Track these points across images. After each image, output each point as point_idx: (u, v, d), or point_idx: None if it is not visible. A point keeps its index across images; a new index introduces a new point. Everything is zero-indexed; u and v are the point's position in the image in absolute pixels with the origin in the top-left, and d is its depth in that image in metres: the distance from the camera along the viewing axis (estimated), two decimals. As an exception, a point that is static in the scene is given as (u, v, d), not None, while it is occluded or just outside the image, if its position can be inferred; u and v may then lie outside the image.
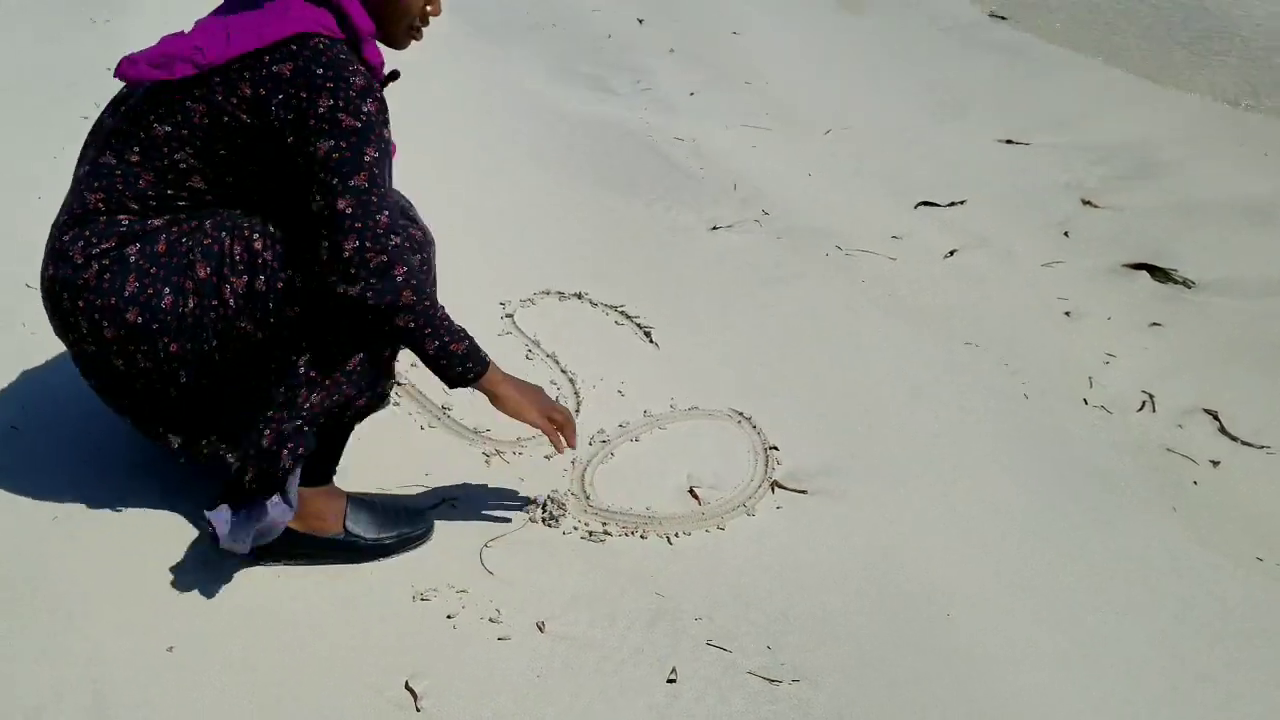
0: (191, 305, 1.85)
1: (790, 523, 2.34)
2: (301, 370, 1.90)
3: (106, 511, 2.23)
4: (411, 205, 2.26)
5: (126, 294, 1.83)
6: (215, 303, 1.85)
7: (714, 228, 3.59)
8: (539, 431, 2.14)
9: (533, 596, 2.10)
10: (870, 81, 4.85)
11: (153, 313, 1.84)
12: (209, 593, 2.06)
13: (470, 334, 1.95)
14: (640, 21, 5.53)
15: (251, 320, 1.87)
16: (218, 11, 1.91)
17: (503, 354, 2.50)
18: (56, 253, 1.88)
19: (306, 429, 1.93)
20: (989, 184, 3.88)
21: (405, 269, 1.80)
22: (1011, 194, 3.81)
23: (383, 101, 1.85)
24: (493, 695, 1.89)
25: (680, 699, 1.91)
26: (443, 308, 1.91)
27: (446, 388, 1.98)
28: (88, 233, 1.85)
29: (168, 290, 1.84)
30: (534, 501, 2.32)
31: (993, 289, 3.24)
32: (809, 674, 1.96)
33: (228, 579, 2.08)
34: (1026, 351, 2.94)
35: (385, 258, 1.78)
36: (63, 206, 1.93)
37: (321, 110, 1.75)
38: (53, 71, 4.37)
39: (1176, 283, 3.27)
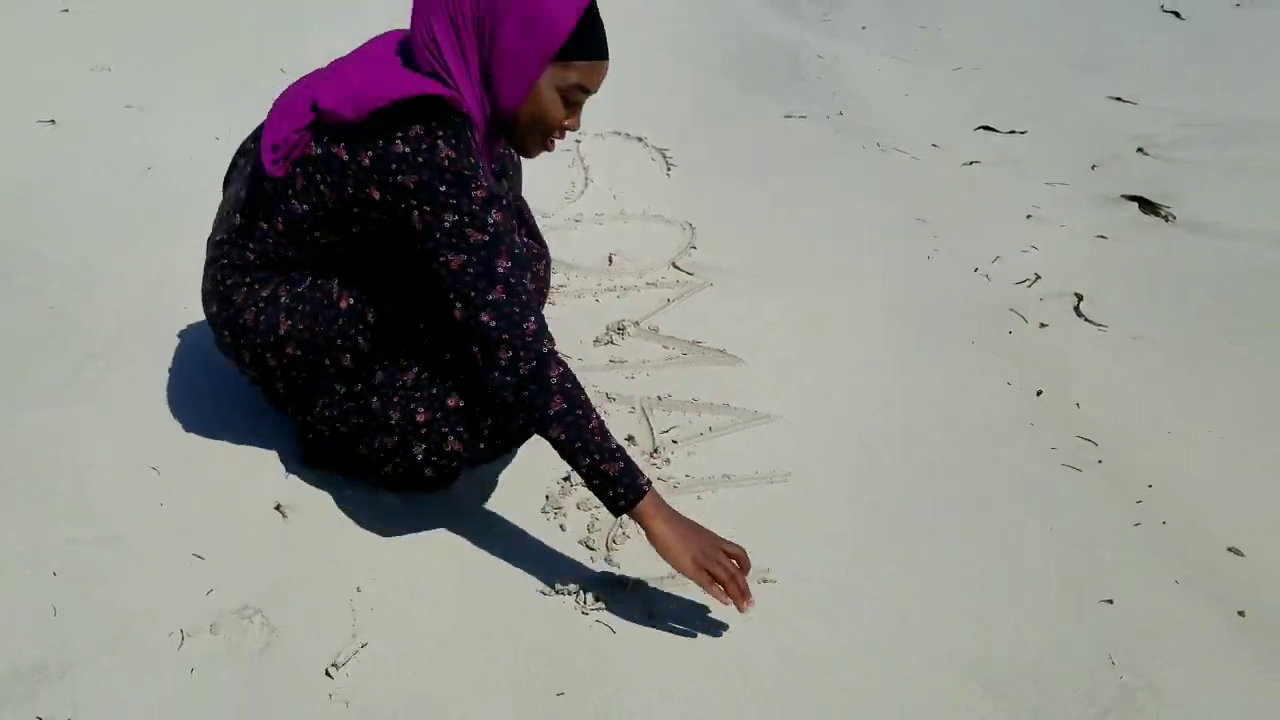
0: (341, 325, 1.97)
1: (666, 290, 3.06)
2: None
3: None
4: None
5: (282, 332, 1.97)
6: (361, 326, 1.97)
7: (788, 115, 4.25)
8: None
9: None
10: (1028, 37, 5.16)
11: (308, 342, 1.98)
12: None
13: (626, 454, 1.83)
14: (876, -27, 6.11)
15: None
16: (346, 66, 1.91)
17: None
18: (220, 295, 2.01)
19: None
20: (1062, 125, 4.20)
21: (559, 371, 1.82)
22: (1076, 135, 4.10)
23: (508, 208, 1.87)
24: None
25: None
26: (598, 418, 1.83)
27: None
28: (249, 280, 1.98)
29: (316, 322, 1.97)
30: None
31: (981, 192, 3.66)
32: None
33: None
34: (961, 233, 3.37)
35: (536, 363, 1.80)
36: (219, 245, 2.03)
37: (448, 225, 1.77)
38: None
39: (1160, 216, 3.49)
